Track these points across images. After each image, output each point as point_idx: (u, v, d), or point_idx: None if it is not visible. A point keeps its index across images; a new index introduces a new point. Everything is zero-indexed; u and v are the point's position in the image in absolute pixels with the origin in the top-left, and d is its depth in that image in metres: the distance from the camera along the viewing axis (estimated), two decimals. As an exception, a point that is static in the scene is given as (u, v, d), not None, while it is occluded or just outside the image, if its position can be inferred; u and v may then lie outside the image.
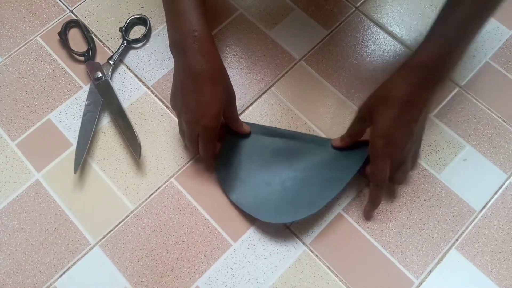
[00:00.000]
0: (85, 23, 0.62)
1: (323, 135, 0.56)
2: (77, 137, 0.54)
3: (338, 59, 0.60)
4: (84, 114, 0.55)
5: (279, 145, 0.54)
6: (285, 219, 0.50)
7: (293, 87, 0.58)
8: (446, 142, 0.55)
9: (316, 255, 0.50)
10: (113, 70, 0.59)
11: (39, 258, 0.50)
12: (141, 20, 0.62)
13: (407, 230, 0.51)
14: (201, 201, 0.52)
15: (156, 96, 0.58)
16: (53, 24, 0.62)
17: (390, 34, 0.61)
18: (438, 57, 0.44)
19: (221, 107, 0.47)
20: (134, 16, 0.61)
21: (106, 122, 0.56)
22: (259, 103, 0.58)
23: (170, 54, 0.60)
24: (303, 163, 0.52)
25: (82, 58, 0.59)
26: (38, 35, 0.62)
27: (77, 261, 0.50)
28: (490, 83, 0.58)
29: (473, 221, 0.51)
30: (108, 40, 0.61)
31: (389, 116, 0.45)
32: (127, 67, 0.60)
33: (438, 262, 0.50)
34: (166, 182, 0.53)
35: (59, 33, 0.60)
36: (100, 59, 0.60)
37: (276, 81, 0.59)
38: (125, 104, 0.57)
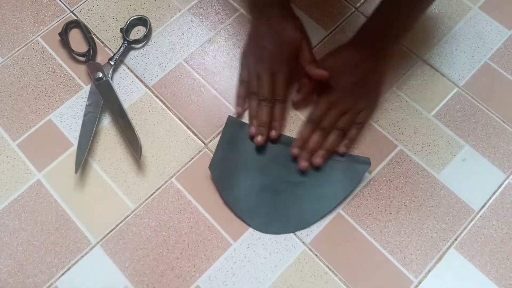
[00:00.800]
0: (86, 23, 0.62)
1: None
2: (78, 137, 0.54)
3: (338, 59, 0.60)
4: (85, 114, 0.55)
5: (277, 151, 0.54)
6: (274, 231, 0.51)
7: (293, 87, 0.58)
8: (445, 142, 0.55)
9: (316, 255, 0.50)
10: (114, 71, 0.59)
11: (40, 258, 0.50)
12: (142, 21, 0.62)
13: (406, 229, 0.51)
14: (201, 201, 0.53)
15: (156, 96, 0.58)
16: (53, 24, 0.63)
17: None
18: (383, 25, 0.52)
19: (299, 39, 0.53)
20: (134, 17, 0.62)
21: (106, 122, 0.57)
22: (259, 103, 0.58)
23: (170, 55, 0.60)
24: (299, 176, 0.52)
25: (82, 59, 0.60)
26: (39, 35, 0.62)
27: (78, 260, 0.50)
28: (489, 83, 0.59)
29: (472, 220, 0.52)
30: (109, 41, 0.61)
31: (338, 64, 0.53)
32: (128, 67, 0.60)
33: (437, 262, 0.50)
34: (166, 182, 0.54)
35: (59, 34, 0.60)
36: (100, 59, 0.60)
37: (276, 82, 0.59)
38: (126, 104, 0.57)
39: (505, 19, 0.62)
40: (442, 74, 0.59)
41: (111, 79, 0.58)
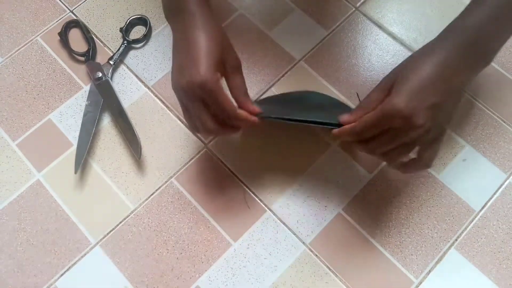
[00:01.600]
0: (86, 23, 0.62)
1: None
2: (77, 137, 0.54)
3: (338, 59, 0.60)
4: (85, 114, 0.55)
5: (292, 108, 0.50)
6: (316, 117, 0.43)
7: (293, 87, 0.58)
8: (446, 142, 0.55)
9: (316, 255, 0.50)
10: (114, 70, 0.59)
11: (39, 258, 0.50)
12: (141, 20, 0.62)
13: (407, 230, 0.51)
14: (201, 201, 0.53)
15: (156, 96, 0.58)
16: (53, 24, 0.62)
17: (390, 34, 0.61)
18: (484, 22, 0.36)
19: (216, 58, 0.40)
20: (134, 16, 0.61)
21: (106, 122, 0.57)
22: (259, 103, 0.58)
23: (170, 54, 0.60)
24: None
25: (82, 58, 0.60)
26: (38, 35, 0.62)
27: (77, 261, 0.50)
28: (490, 83, 0.59)
29: (472, 221, 0.52)
30: (108, 41, 0.61)
31: (412, 85, 0.35)
32: (127, 67, 0.60)
33: (437, 262, 0.50)
34: (166, 182, 0.54)
35: (59, 33, 0.60)
36: (100, 59, 0.60)
37: (276, 81, 0.59)
38: (126, 104, 0.57)
39: (506, 19, 0.62)
40: (443, 74, 0.59)
41: (111, 79, 0.58)
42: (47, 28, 0.62)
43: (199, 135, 0.55)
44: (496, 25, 0.37)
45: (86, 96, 0.57)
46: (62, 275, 0.50)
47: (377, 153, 0.40)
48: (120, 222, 0.52)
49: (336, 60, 0.60)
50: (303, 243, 0.51)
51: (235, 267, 0.50)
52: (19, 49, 0.61)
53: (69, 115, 0.57)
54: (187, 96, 0.40)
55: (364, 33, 0.61)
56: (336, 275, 0.49)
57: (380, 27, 0.62)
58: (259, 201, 0.53)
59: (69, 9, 0.63)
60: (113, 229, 0.51)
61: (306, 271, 0.50)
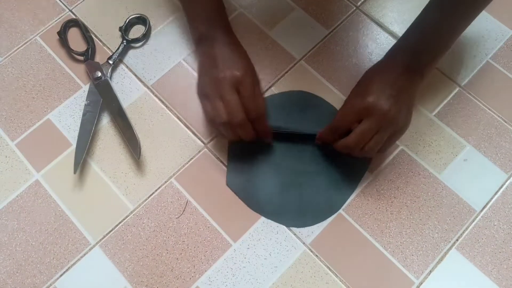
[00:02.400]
0: (85, 22, 0.62)
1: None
2: (76, 137, 0.54)
3: (339, 59, 0.60)
4: (84, 114, 0.55)
5: (286, 147, 0.54)
6: (309, 223, 0.51)
7: (293, 87, 0.58)
8: (447, 142, 0.55)
9: (316, 255, 0.50)
10: (113, 70, 0.59)
11: (39, 258, 0.50)
12: (141, 20, 0.61)
13: (408, 230, 0.51)
14: (201, 201, 0.52)
15: (156, 96, 0.58)
16: (52, 23, 0.62)
17: (391, 33, 0.61)
18: (423, 42, 0.47)
19: (244, 62, 0.48)
20: (133, 16, 0.61)
21: (105, 122, 0.56)
22: (259, 103, 0.57)
23: (169, 54, 0.60)
24: (316, 161, 0.53)
25: (81, 58, 0.59)
26: (37, 34, 0.61)
27: (77, 261, 0.50)
28: (491, 83, 0.58)
29: (473, 221, 0.51)
30: (108, 40, 0.61)
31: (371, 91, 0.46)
32: (127, 66, 0.60)
33: (438, 262, 0.50)
34: (166, 182, 0.53)
35: (58, 33, 0.60)
36: (99, 58, 0.60)
37: (276, 81, 0.58)
38: (125, 104, 0.57)
39: (507, 19, 0.62)
40: (444, 74, 0.59)
41: (110, 78, 0.58)
42: (46, 28, 0.62)
43: (214, 129, 0.54)
44: (427, 50, 0.48)
45: (85, 95, 0.57)
46: (61, 275, 0.49)
47: (356, 149, 0.47)
48: (120, 222, 0.52)
49: (336, 59, 0.60)
50: (303, 243, 0.51)
51: (235, 267, 0.50)
52: (18, 48, 0.61)
53: (68, 115, 0.57)
54: (223, 85, 0.46)
55: (365, 32, 0.61)
56: (336, 275, 0.49)
57: (381, 26, 0.62)
58: (259, 201, 0.52)
59: (68, 8, 0.63)
60: (112, 229, 0.51)
61: (306, 271, 0.49)
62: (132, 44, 0.60)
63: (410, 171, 0.54)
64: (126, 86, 0.58)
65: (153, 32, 0.61)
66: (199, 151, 0.55)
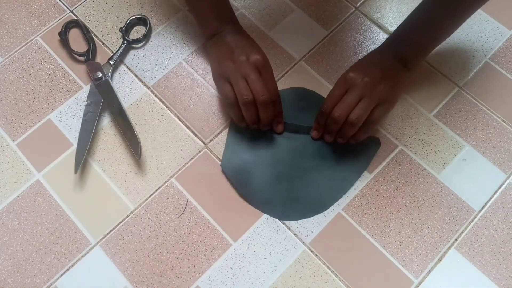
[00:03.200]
0: (85, 23, 0.62)
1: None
2: (77, 137, 0.54)
3: (338, 59, 0.60)
4: (85, 114, 0.55)
5: (285, 140, 0.54)
6: (295, 218, 0.51)
7: (292, 86, 0.58)
8: (446, 142, 0.55)
9: (316, 255, 0.50)
10: (113, 70, 0.59)
11: (39, 258, 0.50)
12: (141, 20, 0.62)
13: (407, 230, 0.51)
14: (201, 201, 0.52)
15: (156, 96, 0.58)
16: (53, 24, 0.62)
17: (390, 34, 0.61)
18: (411, 34, 0.50)
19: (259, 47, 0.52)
20: (134, 16, 0.61)
21: (106, 122, 0.57)
22: (259, 103, 0.58)
23: (170, 54, 0.60)
24: (311, 157, 0.53)
25: (82, 58, 0.60)
26: (38, 35, 0.62)
27: (77, 261, 0.50)
28: (490, 83, 0.59)
29: (472, 221, 0.52)
30: (108, 40, 0.61)
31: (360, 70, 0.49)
32: (127, 67, 0.60)
33: (437, 262, 0.50)
34: (166, 182, 0.54)
35: (59, 33, 0.60)
36: (100, 59, 0.60)
37: (276, 81, 0.58)
38: (126, 104, 0.57)
39: (506, 19, 0.62)
40: (443, 74, 0.59)
41: (111, 78, 0.58)
42: (47, 28, 0.62)
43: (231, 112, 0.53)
44: (414, 42, 0.51)
45: (86, 96, 0.57)
46: (62, 275, 0.50)
47: (343, 119, 0.48)
48: (120, 222, 0.52)
49: (336, 60, 0.60)
50: (303, 243, 0.51)
51: (235, 267, 0.50)
52: (19, 49, 0.61)
53: (69, 115, 0.57)
54: (245, 67, 0.49)
55: (364, 33, 0.61)
56: (336, 275, 0.49)
57: (380, 27, 0.62)
58: (259, 201, 0.53)
59: (69, 9, 0.63)
60: (113, 229, 0.51)
61: (306, 271, 0.50)
62: (133, 45, 0.61)
63: (409, 171, 0.54)
64: (126, 86, 0.58)
65: (153, 33, 0.62)
66: (199, 151, 0.55)
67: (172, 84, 0.59)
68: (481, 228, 0.51)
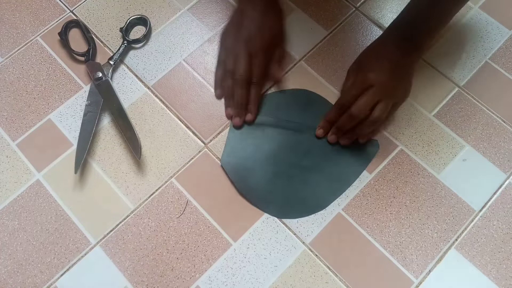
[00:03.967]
0: (85, 23, 0.62)
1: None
2: (77, 137, 0.54)
3: (338, 59, 0.60)
4: (85, 114, 0.55)
5: (286, 138, 0.55)
6: (291, 216, 0.51)
7: (293, 87, 0.58)
8: (446, 142, 0.55)
9: (316, 255, 0.50)
10: (114, 70, 0.59)
11: (39, 258, 0.50)
12: (141, 20, 0.62)
13: (407, 230, 0.51)
14: (201, 201, 0.53)
15: (156, 96, 0.58)
16: (53, 24, 0.62)
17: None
18: (415, 22, 0.51)
19: (270, 36, 0.55)
20: (134, 16, 0.61)
21: (106, 122, 0.57)
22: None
23: (170, 54, 0.60)
24: (311, 157, 0.54)
25: (82, 58, 0.60)
26: (38, 35, 0.62)
27: (77, 261, 0.50)
28: (490, 83, 0.59)
29: (472, 221, 0.52)
30: (109, 40, 0.61)
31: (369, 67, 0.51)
32: (127, 67, 0.60)
33: (437, 262, 0.50)
34: (166, 182, 0.54)
35: (59, 33, 0.60)
36: (100, 59, 0.60)
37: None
38: (126, 104, 0.57)
39: (506, 19, 0.62)
40: (443, 74, 0.59)
41: (111, 79, 0.58)
42: (47, 28, 0.62)
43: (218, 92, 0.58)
44: (426, 23, 0.50)
45: (86, 96, 0.57)
46: (62, 275, 0.50)
47: (361, 116, 0.50)
48: (120, 222, 0.52)
49: (336, 60, 0.60)
50: (303, 243, 0.51)
51: (235, 267, 0.50)
52: (19, 49, 0.61)
53: (69, 115, 0.57)
54: (239, 48, 0.54)
55: (364, 33, 0.61)
56: (336, 275, 0.49)
57: (380, 27, 0.62)
58: (259, 201, 0.53)
59: (69, 9, 0.63)
60: (113, 229, 0.51)
61: (306, 271, 0.50)
62: (133, 45, 0.61)
63: (409, 171, 0.54)
64: (126, 86, 0.59)
65: (153, 33, 0.62)
66: (199, 151, 0.55)
67: (172, 84, 0.59)
68: (481, 228, 0.51)
